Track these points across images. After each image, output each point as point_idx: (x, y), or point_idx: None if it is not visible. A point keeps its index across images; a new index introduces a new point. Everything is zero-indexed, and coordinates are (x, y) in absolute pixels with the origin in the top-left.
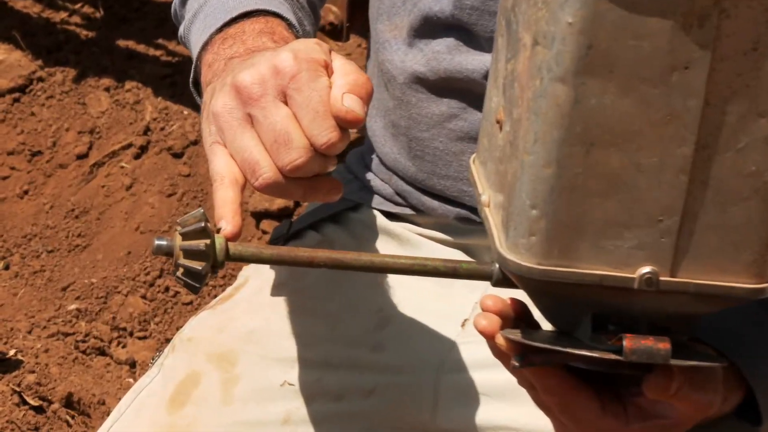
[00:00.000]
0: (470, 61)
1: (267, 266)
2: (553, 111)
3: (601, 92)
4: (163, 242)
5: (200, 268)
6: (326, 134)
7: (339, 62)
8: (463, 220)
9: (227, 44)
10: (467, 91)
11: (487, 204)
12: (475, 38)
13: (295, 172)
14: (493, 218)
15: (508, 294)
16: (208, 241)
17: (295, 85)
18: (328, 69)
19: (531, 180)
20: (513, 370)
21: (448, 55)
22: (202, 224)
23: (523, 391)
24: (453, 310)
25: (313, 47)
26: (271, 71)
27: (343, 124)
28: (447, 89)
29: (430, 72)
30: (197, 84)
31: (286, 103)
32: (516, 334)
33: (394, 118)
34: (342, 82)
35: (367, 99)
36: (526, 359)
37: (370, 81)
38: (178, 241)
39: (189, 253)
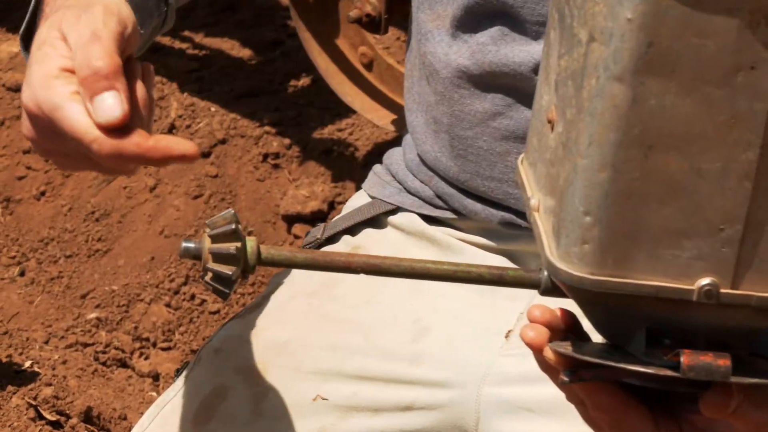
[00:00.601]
0: (517, 53)
1: (298, 273)
2: (609, 112)
3: (661, 92)
4: (191, 245)
5: (230, 272)
6: (94, 156)
7: (77, 57)
8: (508, 225)
9: None
10: (514, 87)
11: (537, 208)
12: (521, 24)
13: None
14: (542, 224)
15: (556, 304)
16: (239, 244)
17: (50, 124)
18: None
19: (585, 185)
20: (561, 385)
21: (494, 47)
22: (233, 226)
23: (572, 407)
24: (496, 321)
25: (42, 56)
26: (28, 118)
27: (109, 130)
28: (492, 85)
29: (474, 65)
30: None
31: None
32: (566, 348)
33: (436, 114)
34: (83, 91)
35: (107, 78)
36: (577, 374)
37: (98, 56)
38: (207, 243)
39: (218, 257)
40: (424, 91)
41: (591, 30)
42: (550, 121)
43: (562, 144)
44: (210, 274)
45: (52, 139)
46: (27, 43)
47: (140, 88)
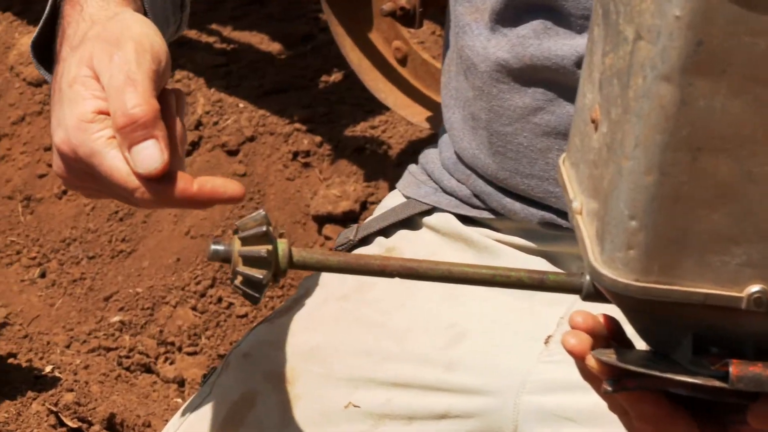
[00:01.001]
0: (560, 46)
1: (329, 277)
2: (656, 113)
3: (710, 93)
4: (221, 247)
5: (261, 276)
6: (134, 200)
7: (112, 103)
8: (549, 225)
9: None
10: (555, 81)
11: (579, 211)
12: (565, 18)
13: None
14: (586, 228)
15: (598, 309)
16: (269, 247)
17: (86, 168)
18: (102, 110)
19: (630, 188)
20: (604, 395)
21: (536, 40)
22: (264, 228)
23: (614, 416)
24: (535, 326)
25: (74, 96)
26: (60, 158)
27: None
28: (533, 79)
29: (514, 59)
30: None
31: None
32: (609, 356)
33: (473, 109)
34: (120, 140)
35: (145, 126)
36: (620, 383)
37: (134, 103)
38: (237, 246)
39: (249, 260)
40: (461, 87)
41: (638, 27)
42: (593, 121)
43: (607, 145)
44: (240, 278)
45: (86, 180)
46: (37, 51)
47: (178, 126)
